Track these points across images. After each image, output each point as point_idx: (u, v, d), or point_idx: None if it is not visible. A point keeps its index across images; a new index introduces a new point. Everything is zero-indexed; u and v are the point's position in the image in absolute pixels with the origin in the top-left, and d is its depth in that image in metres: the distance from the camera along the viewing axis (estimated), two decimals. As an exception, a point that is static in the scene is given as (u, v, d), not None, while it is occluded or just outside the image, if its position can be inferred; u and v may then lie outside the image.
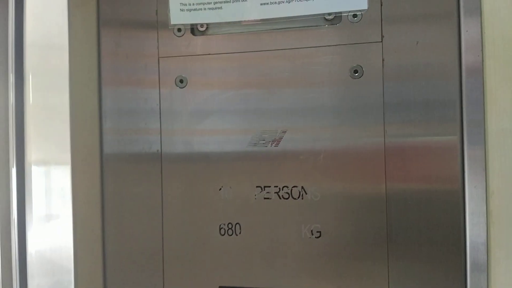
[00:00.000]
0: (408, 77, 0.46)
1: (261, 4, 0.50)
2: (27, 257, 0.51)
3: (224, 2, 0.50)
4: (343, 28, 0.48)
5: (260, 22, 0.50)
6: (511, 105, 0.43)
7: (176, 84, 0.51)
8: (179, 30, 0.51)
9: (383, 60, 0.46)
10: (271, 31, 0.49)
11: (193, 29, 0.51)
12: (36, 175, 0.51)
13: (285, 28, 0.49)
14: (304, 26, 0.49)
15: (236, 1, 0.50)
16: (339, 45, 0.48)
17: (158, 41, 0.51)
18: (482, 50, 0.44)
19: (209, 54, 0.50)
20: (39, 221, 0.51)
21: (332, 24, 0.48)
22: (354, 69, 0.47)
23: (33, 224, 0.51)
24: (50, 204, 0.50)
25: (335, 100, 0.48)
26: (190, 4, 0.51)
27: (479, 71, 0.44)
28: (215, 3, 0.51)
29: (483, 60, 0.44)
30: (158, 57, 0.51)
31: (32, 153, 0.51)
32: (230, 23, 0.51)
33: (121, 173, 0.52)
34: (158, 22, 0.51)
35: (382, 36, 0.46)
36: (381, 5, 0.46)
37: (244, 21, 0.50)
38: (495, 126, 0.43)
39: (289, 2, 0.49)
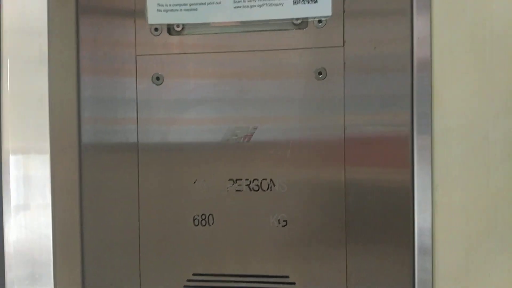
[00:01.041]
0: (367, 77, 0.51)
1: (235, 7, 0.53)
2: (4, 248, 0.52)
3: (200, 4, 0.53)
4: (309, 32, 0.52)
5: (233, 24, 0.53)
6: (457, 101, 0.48)
7: (152, 81, 0.54)
8: (156, 29, 0.53)
9: (344, 63, 0.51)
10: (244, 33, 0.53)
11: (170, 29, 0.54)
12: (14, 163, 0.51)
13: (256, 31, 0.53)
14: (274, 29, 0.52)
15: (211, 4, 0.53)
16: (306, 48, 0.52)
17: (135, 39, 0.53)
18: (431, 47, 0.49)
19: (184, 53, 0.53)
20: (16, 211, 0.52)
21: (300, 28, 0.52)
22: (319, 70, 0.52)
23: (11, 214, 0.52)
24: (28, 194, 0.51)
25: (301, 98, 0.52)
26: (167, 5, 0.53)
27: (428, 67, 0.49)
28: (190, 4, 0.53)
29: (431, 56, 0.49)
30: (136, 55, 0.54)
31: (9, 141, 0.51)
32: (205, 24, 0.53)
33: (99, 163, 0.54)
34: (136, 17, 0.53)
35: (344, 41, 0.51)
36: (344, 12, 0.50)
37: (218, 22, 0.53)
38: (441, 122, 0.48)
39: (260, 7, 0.52)
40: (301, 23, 0.52)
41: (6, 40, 0.51)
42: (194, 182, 0.53)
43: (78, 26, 0.54)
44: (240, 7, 0.52)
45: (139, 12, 0.53)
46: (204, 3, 0.53)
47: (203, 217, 0.53)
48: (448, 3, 0.48)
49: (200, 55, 0.53)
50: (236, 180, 0.52)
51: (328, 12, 0.51)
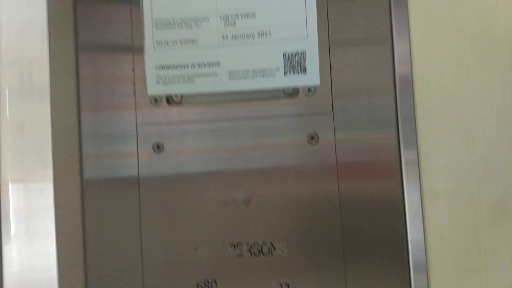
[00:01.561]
0: (357, 141, 0.54)
1: (230, 79, 0.57)
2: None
3: (197, 76, 0.57)
4: (300, 100, 0.56)
5: (228, 94, 0.57)
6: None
7: (153, 149, 0.56)
8: (155, 100, 0.57)
9: (334, 128, 0.55)
10: (239, 102, 0.56)
11: (169, 99, 0.57)
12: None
13: (250, 99, 0.56)
14: (267, 98, 0.56)
15: (208, 76, 0.57)
16: (297, 115, 0.55)
17: (136, 111, 0.56)
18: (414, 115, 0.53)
19: (183, 122, 0.56)
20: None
21: (291, 97, 0.56)
22: (311, 135, 0.55)
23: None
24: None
25: (296, 163, 0.55)
26: (166, 77, 0.57)
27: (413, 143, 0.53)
28: (188, 76, 0.57)
29: (416, 128, 0.53)
30: (136, 125, 0.56)
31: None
32: (202, 94, 0.57)
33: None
34: (136, 93, 0.56)
35: (333, 108, 0.55)
36: (331, 82, 0.55)
37: (214, 92, 0.57)
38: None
39: (254, 78, 0.56)
40: (292, 92, 0.56)
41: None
42: (196, 249, 0.54)
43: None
44: (235, 78, 0.56)
45: (139, 86, 0.57)
46: (202, 75, 0.57)
47: (206, 283, 0.53)
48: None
49: (198, 124, 0.56)
50: (237, 244, 0.54)
51: (317, 82, 0.55)
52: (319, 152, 0.54)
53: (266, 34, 0.56)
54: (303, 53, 0.55)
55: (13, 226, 0.51)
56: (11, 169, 0.51)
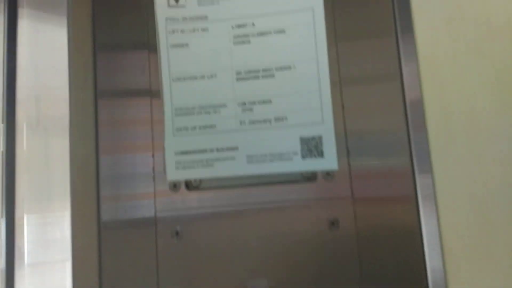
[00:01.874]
0: (378, 227, 0.53)
1: (248, 162, 0.57)
2: None
3: (216, 160, 0.58)
4: (318, 184, 0.56)
5: (247, 178, 0.57)
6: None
7: (172, 236, 0.56)
8: (174, 185, 0.57)
9: (355, 213, 0.54)
10: (257, 186, 0.56)
11: (188, 184, 0.57)
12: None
13: (269, 183, 0.56)
14: (286, 181, 0.56)
15: (226, 160, 0.58)
16: (317, 199, 0.55)
17: (155, 199, 0.57)
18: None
19: (202, 208, 0.56)
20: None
21: (309, 181, 0.56)
22: (331, 221, 0.54)
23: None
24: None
25: (316, 250, 0.53)
26: (185, 162, 0.58)
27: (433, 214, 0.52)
28: (207, 161, 0.58)
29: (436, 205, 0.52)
30: (155, 213, 0.56)
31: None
32: (220, 179, 0.58)
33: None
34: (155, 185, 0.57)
35: (352, 192, 0.55)
36: (349, 165, 0.55)
37: (233, 176, 0.57)
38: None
39: (272, 161, 0.57)
40: (311, 176, 0.56)
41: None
42: None
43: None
44: (253, 162, 0.57)
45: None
46: (220, 159, 0.58)
47: None
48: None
49: (217, 210, 0.56)
50: None
51: (335, 166, 0.56)
52: (340, 237, 0.53)
53: (282, 119, 0.57)
54: (320, 138, 0.56)
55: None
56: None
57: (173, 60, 0.60)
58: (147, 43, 0.58)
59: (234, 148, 0.58)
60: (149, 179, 0.56)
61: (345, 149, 0.55)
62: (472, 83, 0.53)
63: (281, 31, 0.58)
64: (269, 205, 0.55)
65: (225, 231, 0.55)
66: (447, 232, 0.51)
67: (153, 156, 0.57)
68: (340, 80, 0.56)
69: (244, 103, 0.58)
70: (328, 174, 0.56)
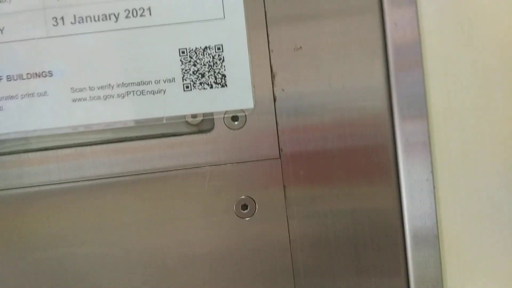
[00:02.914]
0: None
1: (73, 100, 0.29)
2: None
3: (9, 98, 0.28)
4: (217, 138, 0.30)
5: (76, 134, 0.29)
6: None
7: None
8: None
9: (284, 187, 0.30)
10: (100, 145, 0.29)
11: None
12: None
13: (120, 140, 0.29)
14: (154, 136, 0.30)
15: (29, 99, 0.28)
16: (214, 165, 0.30)
17: None
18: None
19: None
20: None
21: (201, 132, 0.30)
22: (242, 203, 0.30)
23: None
24: None
25: (216, 248, 0.29)
26: None
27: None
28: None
29: None
30: None
31: None
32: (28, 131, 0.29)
33: None
34: None
35: (280, 150, 0.30)
36: (274, 102, 0.30)
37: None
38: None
39: (123, 97, 0.29)
40: (202, 123, 0.30)
41: None
42: None
43: None
44: (82, 99, 0.29)
45: None
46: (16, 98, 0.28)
47: None
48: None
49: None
50: None
51: (249, 103, 0.30)
52: (255, 229, 0.30)
53: (141, 14, 0.29)
54: (219, 49, 0.30)
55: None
56: None
57: None
58: None
59: (46, 74, 0.29)
60: None
61: (268, 70, 0.29)
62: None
63: None
64: (137, 177, 0.29)
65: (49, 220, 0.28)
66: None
67: None
68: None
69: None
70: (234, 119, 0.30)
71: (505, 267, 0.32)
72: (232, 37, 0.29)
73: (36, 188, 0.28)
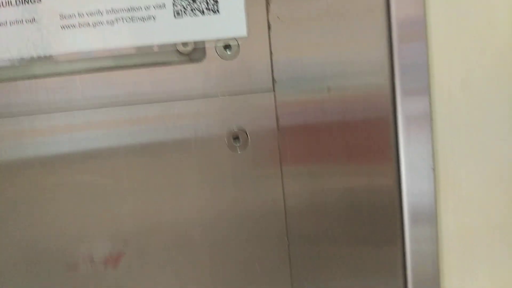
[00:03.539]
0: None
1: (62, 26, 0.28)
2: None
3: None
4: (209, 67, 0.29)
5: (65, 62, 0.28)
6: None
7: None
8: None
9: (277, 118, 0.29)
10: (83, 74, 0.28)
11: None
12: None
13: (110, 68, 0.29)
14: (145, 63, 0.29)
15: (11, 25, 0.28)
16: (205, 97, 0.29)
17: None
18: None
19: None
20: None
21: (192, 61, 0.29)
22: (233, 135, 0.29)
23: None
24: None
25: (208, 182, 0.29)
26: None
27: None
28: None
29: None
30: None
31: None
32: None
33: None
34: None
35: (274, 81, 0.29)
36: (269, 30, 0.29)
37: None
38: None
39: (112, 24, 0.28)
40: (194, 52, 0.29)
41: None
42: None
43: None
44: (71, 26, 0.28)
45: None
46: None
47: None
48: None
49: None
50: None
51: (242, 31, 0.29)
52: (247, 162, 0.29)
53: None
54: None
55: None
56: None
57: None
58: None
59: (34, 0, 0.28)
60: None
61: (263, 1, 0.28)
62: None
63: None
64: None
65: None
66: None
67: None
68: None
69: None
70: (227, 48, 0.29)
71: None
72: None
73: (25, 117, 0.28)
